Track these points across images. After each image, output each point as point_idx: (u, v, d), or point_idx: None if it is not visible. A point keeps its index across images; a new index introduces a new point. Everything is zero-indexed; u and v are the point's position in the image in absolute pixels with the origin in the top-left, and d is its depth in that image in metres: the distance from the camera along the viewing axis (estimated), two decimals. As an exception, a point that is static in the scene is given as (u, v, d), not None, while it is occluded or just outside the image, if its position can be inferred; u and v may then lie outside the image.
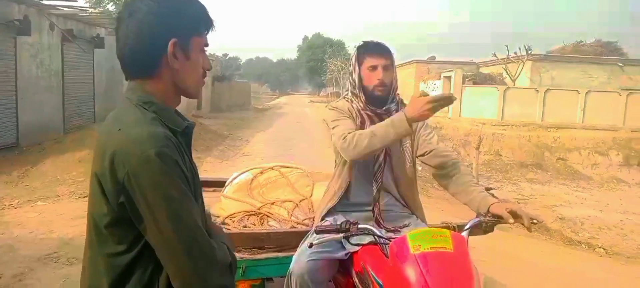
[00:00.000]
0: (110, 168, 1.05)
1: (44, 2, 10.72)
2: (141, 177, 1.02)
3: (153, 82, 1.17)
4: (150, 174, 1.02)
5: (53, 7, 11.21)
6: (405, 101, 2.37)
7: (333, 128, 2.23)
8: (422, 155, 2.30)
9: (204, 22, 1.21)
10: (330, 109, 2.35)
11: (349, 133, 2.09)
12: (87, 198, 1.20)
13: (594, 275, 5.45)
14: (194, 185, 1.16)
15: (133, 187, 1.03)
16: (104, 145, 1.08)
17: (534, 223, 1.88)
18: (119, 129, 1.09)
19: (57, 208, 6.27)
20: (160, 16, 1.13)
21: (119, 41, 1.16)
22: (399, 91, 2.34)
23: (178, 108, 1.27)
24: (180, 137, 1.17)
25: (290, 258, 2.33)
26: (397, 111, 2.24)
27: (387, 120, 2.01)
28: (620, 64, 21.35)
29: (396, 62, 2.33)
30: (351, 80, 2.33)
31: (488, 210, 1.97)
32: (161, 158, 1.03)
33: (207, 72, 1.26)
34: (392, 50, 2.26)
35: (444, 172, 2.23)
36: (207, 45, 1.24)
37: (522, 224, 1.86)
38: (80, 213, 5.70)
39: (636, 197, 12.67)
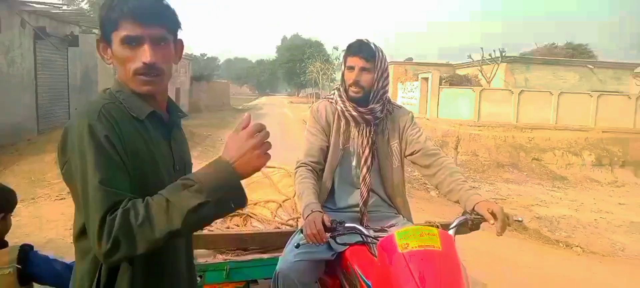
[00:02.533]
0: (61, 141, 1.17)
1: (15, -2, 10.42)
2: (75, 145, 1.12)
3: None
4: (79, 142, 1.11)
5: (24, 3, 10.90)
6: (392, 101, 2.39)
7: (305, 137, 2.34)
8: (411, 154, 2.30)
9: (118, 14, 1.19)
10: (310, 110, 2.40)
11: (301, 167, 2.22)
12: (63, 200, 1.24)
13: (572, 273, 5.57)
14: (159, 164, 1.24)
15: (71, 154, 1.14)
16: None
17: (510, 225, 1.92)
18: (76, 108, 1.18)
19: (32, 211, 6.07)
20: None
21: None
22: (388, 93, 2.32)
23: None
24: (150, 124, 1.26)
25: (274, 259, 2.31)
26: (381, 112, 2.24)
27: (309, 202, 1.99)
28: (591, 67, 21.91)
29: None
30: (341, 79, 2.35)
31: (473, 209, 1.98)
32: (90, 129, 1.11)
33: (147, 64, 1.20)
34: (379, 53, 2.22)
35: (433, 172, 2.23)
36: (131, 37, 1.19)
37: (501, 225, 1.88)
38: (57, 216, 5.55)
39: (608, 196, 13.01)
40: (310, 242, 1.84)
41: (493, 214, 1.88)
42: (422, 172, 2.32)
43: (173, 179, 1.16)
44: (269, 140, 1.19)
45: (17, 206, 6.49)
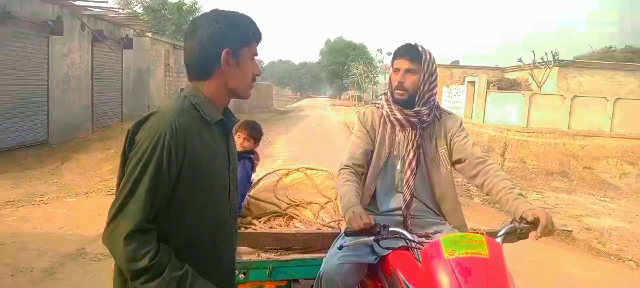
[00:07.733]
0: (133, 129, 1.32)
1: (75, 2, 10.98)
2: (142, 143, 1.26)
3: (207, 83, 1.42)
4: (147, 145, 1.25)
5: (84, 7, 11.48)
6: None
7: (351, 140, 2.36)
8: (457, 162, 2.25)
9: (253, 34, 1.43)
10: (357, 115, 2.41)
11: (344, 169, 2.24)
12: (114, 196, 1.33)
13: (623, 287, 5.29)
14: (215, 168, 1.40)
15: (136, 148, 1.27)
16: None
17: (551, 232, 1.84)
18: (157, 108, 1.37)
19: (85, 205, 6.40)
20: (217, 30, 1.37)
21: (185, 50, 1.43)
22: (436, 97, 2.28)
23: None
24: (216, 128, 1.43)
25: (316, 259, 2.34)
26: (428, 115, 2.21)
27: (352, 204, 2.01)
28: (652, 71, 20.74)
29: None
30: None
31: (521, 216, 1.92)
32: (159, 139, 1.25)
33: (255, 77, 1.48)
34: (427, 55, 2.19)
35: (481, 181, 2.17)
36: (256, 54, 1.46)
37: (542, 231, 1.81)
38: (107, 210, 5.80)
39: (667, 208, 12.25)
40: (359, 228, 1.83)
41: (536, 219, 1.82)
42: (470, 181, 2.27)
43: (227, 179, 1.45)
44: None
45: (72, 199, 6.78)
